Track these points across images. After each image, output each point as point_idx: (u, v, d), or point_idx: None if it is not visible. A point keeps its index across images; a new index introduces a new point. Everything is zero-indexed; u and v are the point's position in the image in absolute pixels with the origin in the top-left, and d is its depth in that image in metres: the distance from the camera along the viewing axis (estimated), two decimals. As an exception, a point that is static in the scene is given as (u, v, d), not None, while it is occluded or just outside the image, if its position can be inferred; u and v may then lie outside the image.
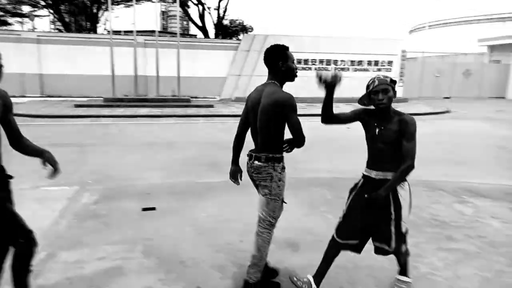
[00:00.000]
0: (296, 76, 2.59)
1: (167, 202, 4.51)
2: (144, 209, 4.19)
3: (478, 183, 5.45)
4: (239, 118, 2.81)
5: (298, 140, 2.49)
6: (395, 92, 2.48)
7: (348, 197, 2.66)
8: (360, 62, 19.45)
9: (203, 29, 28.85)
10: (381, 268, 3.02)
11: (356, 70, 19.32)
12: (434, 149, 7.96)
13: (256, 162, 2.54)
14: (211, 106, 15.50)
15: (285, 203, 2.66)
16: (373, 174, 2.53)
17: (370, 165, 2.58)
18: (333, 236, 2.67)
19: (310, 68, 18.40)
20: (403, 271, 2.74)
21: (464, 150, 8.21)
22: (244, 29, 33.21)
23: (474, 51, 27.65)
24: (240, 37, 28.66)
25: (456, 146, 8.56)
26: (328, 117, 2.56)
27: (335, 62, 18.97)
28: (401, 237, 2.51)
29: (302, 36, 18.57)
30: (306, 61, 18.68)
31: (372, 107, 2.55)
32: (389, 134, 2.44)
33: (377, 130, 2.49)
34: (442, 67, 23.54)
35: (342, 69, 18.95)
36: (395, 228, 2.48)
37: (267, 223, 2.59)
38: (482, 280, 2.88)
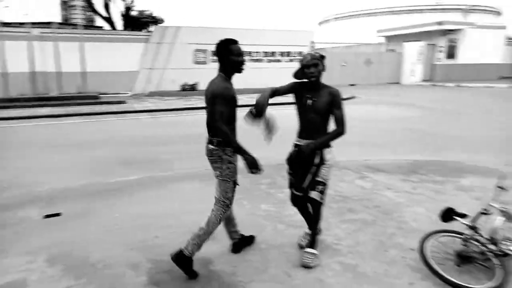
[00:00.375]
0: (242, 68, 2.74)
1: (74, 206, 4.20)
2: (47, 216, 3.85)
3: (377, 160, 6.09)
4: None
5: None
6: (324, 66, 2.79)
7: (288, 166, 2.99)
8: (273, 53, 20.09)
9: (109, 20, 27.06)
10: (291, 244, 3.23)
11: (269, 61, 19.94)
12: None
13: (209, 145, 2.76)
14: (123, 102, 14.67)
15: (238, 185, 2.84)
16: (303, 142, 2.84)
17: (301, 135, 2.90)
18: (292, 192, 2.98)
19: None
20: (312, 244, 2.97)
21: (367, 131, 9.05)
22: (155, 20, 31.88)
23: (374, 41, 30.44)
24: (151, 29, 27.41)
25: (360, 128, 9.40)
26: (271, 96, 2.81)
27: (249, 53, 19.22)
28: (315, 183, 2.83)
29: (215, 28, 18.47)
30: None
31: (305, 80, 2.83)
32: (321, 105, 2.76)
33: (309, 101, 2.80)
34: (347, 57, 25.49)
35: (256, 60, 19.38)
36: (312, 176, 2.82)
37: (222, 203, 2.80)
38: (377, 243, 3.26)
